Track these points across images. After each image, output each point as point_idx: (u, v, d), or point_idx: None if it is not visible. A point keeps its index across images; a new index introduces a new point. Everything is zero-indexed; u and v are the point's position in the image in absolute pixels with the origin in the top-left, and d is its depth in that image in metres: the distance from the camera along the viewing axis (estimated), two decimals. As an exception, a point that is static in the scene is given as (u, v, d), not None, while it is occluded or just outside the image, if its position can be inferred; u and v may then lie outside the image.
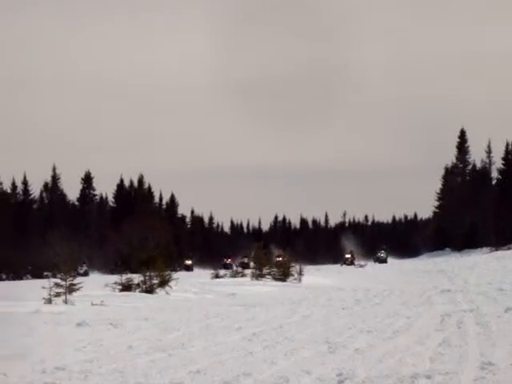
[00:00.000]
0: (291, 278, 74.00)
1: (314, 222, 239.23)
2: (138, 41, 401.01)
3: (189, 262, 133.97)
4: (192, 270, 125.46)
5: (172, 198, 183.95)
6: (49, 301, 49.12)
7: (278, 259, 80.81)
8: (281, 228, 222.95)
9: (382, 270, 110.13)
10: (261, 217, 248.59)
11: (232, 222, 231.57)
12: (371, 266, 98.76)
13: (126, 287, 60.14)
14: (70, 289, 51.41)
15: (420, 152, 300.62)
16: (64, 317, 39.46)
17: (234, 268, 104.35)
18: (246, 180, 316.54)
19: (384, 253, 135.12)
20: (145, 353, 23.73)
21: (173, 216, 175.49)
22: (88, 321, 35.80)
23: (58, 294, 50.33)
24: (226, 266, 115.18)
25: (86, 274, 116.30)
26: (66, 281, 51.46)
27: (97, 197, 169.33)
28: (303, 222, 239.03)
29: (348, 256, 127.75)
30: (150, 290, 59.18)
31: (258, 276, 75.61)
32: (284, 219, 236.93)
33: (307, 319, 34.44)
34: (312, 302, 46.59)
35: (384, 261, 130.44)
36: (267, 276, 75.13)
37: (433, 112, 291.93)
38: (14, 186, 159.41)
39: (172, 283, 60.60)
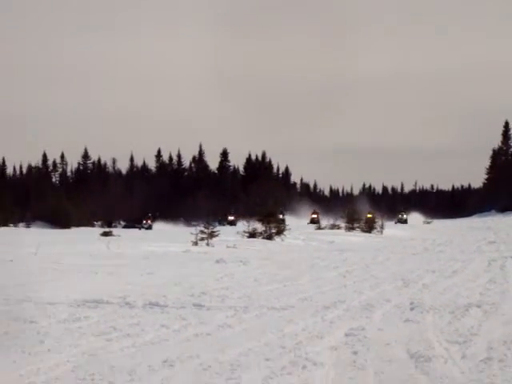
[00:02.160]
0: (375, 231, 73.93)
1: (393, 189, 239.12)
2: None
3: (231, 218, 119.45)
4: (235, 224, 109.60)
5: (286, 168, 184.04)
6: (195, 243, 50.03)
7: (368, 216, 79.95)
8: (367, 193, 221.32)
9: (443, 225, 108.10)
10: (353, 184, 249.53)
11: (331, 188, 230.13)
12: (410, 226, 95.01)
13: (252, 235, 60.86)
14: (211, 235, 52.27)
15: (472, 136, 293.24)
16: (206, 255, 39.67)
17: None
18: (342, 156, 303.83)
19: (404, 214, 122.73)
20: (266, 283, 23.86)
21: (287, 182, 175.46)
22: (224, 259, 35.97)
23: (202, 239, 51.41)
24: (313, 221, 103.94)
25: (221, 224, 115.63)
26: (208, 229, 52.72)
27: (231, 167, 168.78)
28: (384, 188, 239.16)
29: (401, 216, 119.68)
30: (269, 237, 59.64)
31: (350, 228, 75.60)
32: (370, 186, 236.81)
33: (387, 261, 34.31)
34: (390, 248, 46.34)
35: (405, 222, 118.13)
36: (357, 229, 75.14)
37: (481, 106, 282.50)
38: (170, 158, 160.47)
39: (286, 232, 61.06)
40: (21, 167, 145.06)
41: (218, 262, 34.77)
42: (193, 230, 53.13)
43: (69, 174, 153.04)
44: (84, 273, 28.62)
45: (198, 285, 23.20)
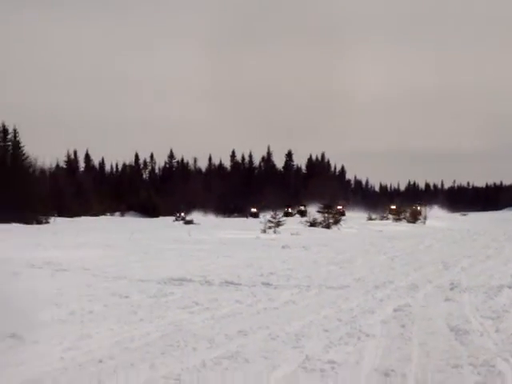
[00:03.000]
0: (419, 222, 73.86)
1: (434, 185, 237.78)
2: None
3: (254, 210, 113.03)
4: (258, 216, 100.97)
5: (342, 167, 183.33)
6: (264, 231, 50.42)
7: (413, 208, 79.56)
8: (412, 189, 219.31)
9: (478, 218, 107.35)
10: (399, 181, 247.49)
11: (381, 185, 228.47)
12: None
13: (312, 224, 61.00)
14: (277, 224, 52.37)
15: (503, 139, 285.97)
16: (274, 242, 39.79)
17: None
18: (391, 157, 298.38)
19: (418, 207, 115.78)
20: (324, 266, 23.81)
21: (342, 179, 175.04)
22: (288, 244, 36.16)
23: (270, 227, 51.59)
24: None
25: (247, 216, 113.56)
26: (275, 218, 52.81)
27: (294, 166, 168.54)
28: (427, 185, 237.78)
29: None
30: (327, 226, 59.71)
31: (397, 219, 75.53)
32: (414, 183, 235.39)
33: (429, 248, 34.21)
34: (432, 236, 46.30)
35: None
36: (403, 220, 75.05)
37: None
38: (243, 158, 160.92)
39: (342, 222, 61.14)
40: (117, 166, 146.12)
41: (283, 247, 34.93)
42: (262, 220, 54.05)
43: (157, 171, 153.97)
44: (170, 255, 28.95)
45: (266, 266, 23.29)
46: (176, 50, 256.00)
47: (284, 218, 57.55)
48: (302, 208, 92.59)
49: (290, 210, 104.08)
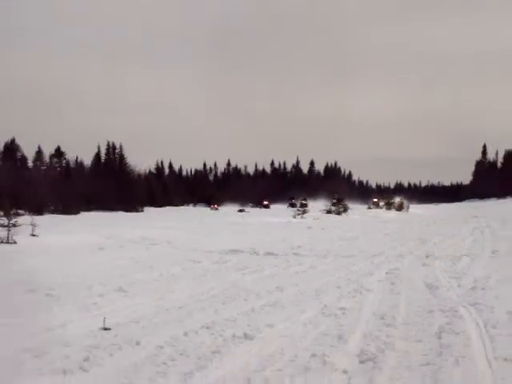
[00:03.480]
0: (403, 210, 73.63)
1: (415, 184, 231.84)
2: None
3: (265, 202, 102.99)
4: (269, 207, 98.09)
5: (350, 172, 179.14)
6: (294, 217, 50.28)
7: (398, 201, 78.62)
8: (398, 187, 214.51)
9: (446, 206, 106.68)
10: (390, 181, 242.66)
11: (376, 184, 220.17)
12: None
13: (328, 211, 60.88)
14: (304, 211, 52.45)
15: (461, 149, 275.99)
16: (301, 224, 39.87)
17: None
18: (382, 163, 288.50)
19: (293, 200, 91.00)
20: (337, 241, 23.78)
21: (349, 180, 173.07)
22: (311, 226, 36.30)
23: (298, 214, 51.44)
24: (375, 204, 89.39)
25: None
26: (302, 208, 52.86)
27: (316, 171, 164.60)
28: (409, 184, 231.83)
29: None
30: (339, 213, 59.60)
31: (388, 209, 75.20)
32: (400, 183, 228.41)
33: (411, 229, 33.94)
34: (412, 221, 46.20)
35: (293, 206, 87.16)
36: (392, 209, 74.79)
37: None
38: (279, 165, 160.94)
39: (349, 211, 61.19)
40: (191, 171, 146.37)
41: (308, 228, 34.97)
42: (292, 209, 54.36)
43: (219, 175, 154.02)
44: (228, 234, 29.04)
45: (295, 241, 23.21)
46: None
47: (307, 207, 57.67)
48: (304, 201, 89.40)
49: (294, 201, 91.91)
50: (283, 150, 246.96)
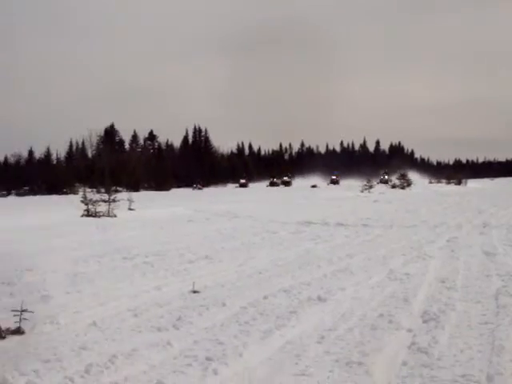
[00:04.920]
0: (462, 184, 72.24)
1: (472, 161, 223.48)
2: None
3: (243, 181, 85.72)
4: (338, 183, 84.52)
5: (412, 150, 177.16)
6: (361, 191, 50.30)
7: (457, 175, 76.41)
8: (457, 164, 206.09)
9: (502, 181, 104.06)
10: (449, 158, 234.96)
11: (437, 161, 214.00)
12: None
13: (393, 186, 61.06)
14: (370, 187, 52.34)
15: None
16: (367, 198, 39.80)
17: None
18: (443, 144, 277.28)
19: (386, 176, 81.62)
20: (401, 213, 23.61)
21: (412, 158, 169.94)
22: (378, 200, 36.13)
23: (365, 189, 51.57)
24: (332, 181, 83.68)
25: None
26: (367, 184, 52.50)
27: (381, 150, 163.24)
28: (467, 161, 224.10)
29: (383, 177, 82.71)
30: (402, 188, 59.25)
31: (448, 183, 73.80)
32: (459, 160, 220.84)
33: (469, 201, 33.43)
34: (470, 194, 45.44)
35: (386, 182, 78.65)
36: (452, 183, 73.36)
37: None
38: (347, 145, 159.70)
39: (412, 185, 60.35)
40: (269, 151, 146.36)
41: (374, 201, 34.77)
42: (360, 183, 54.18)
43: (293, 154, 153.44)
44: (301, 207, 29.12)
45: (363, 214, 23.07)
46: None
47: (368, 183, 57.07)
48: (286, 178, 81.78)
49: (386, 176, 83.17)
50: (351, 131, 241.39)
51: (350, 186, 66.71)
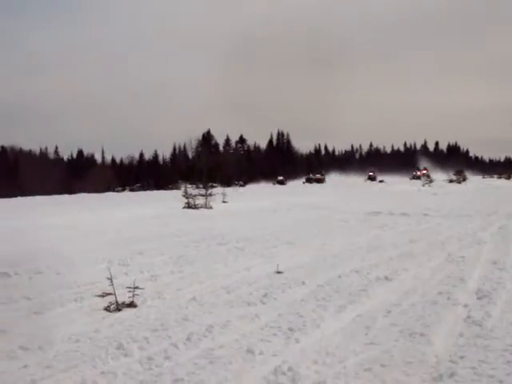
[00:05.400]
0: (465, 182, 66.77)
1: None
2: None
3: (281, 178, 74.77)
4: (284, 183, 73.10)
5: (467, 150, 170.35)
6: (423, 185, 48.40)
7: (509, 172, 71.04)
8: (506, 160, 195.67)
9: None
10: (500, 156, 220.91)
11: (489, 158, 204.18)
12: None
13: (450, 181, 58.03)
14: (430, 181, 50.53)
15: None
16: (427, 191, 38.70)
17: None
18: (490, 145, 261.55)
19: (418, 172, 71.95)
20: (457, 204, 22.91)
21: (467, 156, 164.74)
22: (437, 193, 35.06)
23: (426, 183, 49.87)
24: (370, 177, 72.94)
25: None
26: (429, 178, 50.73)
27: (439, 150, 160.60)
28: None
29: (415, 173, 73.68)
30: (459, 182, 56.55)
31: (499, 178, 70.34)
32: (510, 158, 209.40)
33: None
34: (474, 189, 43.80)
35: (418, 178, 67.34)
36: (503, 178, 69.93)
37: None
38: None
39: (467, 180, 58.13)
40: (342, 151, 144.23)
41: (433, 194, 33.84)
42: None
43: (364, 155, 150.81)
44: (369, 198, 28.69)
45: (424, 204, 22.43)
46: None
47: (433, 177, 55.04)
48: (319, 175, 71.02)
49: (311, 175, 74.93)
50: (413, 134, 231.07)
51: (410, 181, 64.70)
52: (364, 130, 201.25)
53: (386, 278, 7.32)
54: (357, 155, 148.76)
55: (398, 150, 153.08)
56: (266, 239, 11.71)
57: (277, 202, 26.14)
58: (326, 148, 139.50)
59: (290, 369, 4.05)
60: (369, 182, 68.25)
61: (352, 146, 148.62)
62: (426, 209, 20.03)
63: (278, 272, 7.89)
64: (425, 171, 67.80)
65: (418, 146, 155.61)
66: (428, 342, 4.65)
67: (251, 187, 61.64)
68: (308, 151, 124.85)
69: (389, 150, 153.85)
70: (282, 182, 72.58)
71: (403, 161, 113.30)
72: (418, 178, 64.05)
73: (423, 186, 49.40)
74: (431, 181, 51.68)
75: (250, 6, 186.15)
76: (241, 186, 73.20)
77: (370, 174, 74.10)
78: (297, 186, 65.34)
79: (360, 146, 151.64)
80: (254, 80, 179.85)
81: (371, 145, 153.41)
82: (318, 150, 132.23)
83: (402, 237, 12.01)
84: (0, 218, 17.43)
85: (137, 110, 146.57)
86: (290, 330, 5.06)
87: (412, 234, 12.46)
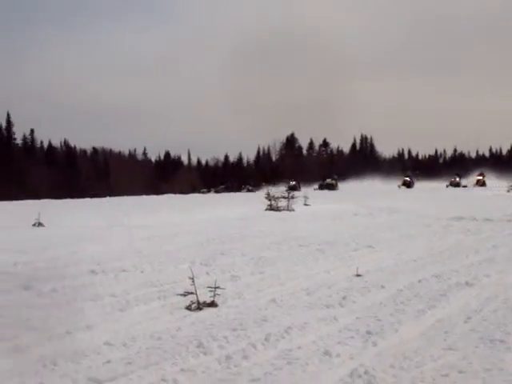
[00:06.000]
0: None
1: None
2: None
3: (293, 183, 59.46)
4: (297, 189, 53.86)
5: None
6: (508, 191, 43.54)
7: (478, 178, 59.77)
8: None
9: None
10: None
11: None
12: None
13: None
14: (483, 183, 47.52)
15: None
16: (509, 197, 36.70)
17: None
18: None
19: (458, 177, 60.08)
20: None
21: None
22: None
23: (510, 189, 46.28)
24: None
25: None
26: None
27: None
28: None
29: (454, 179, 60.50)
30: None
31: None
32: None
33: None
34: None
35: (457, 185, 57.78)
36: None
37: None
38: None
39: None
40: (425, 156, 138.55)
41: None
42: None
43: (447, 159, 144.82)
44: (450, 204, 26.67)
45: (508, 210, 20.58)
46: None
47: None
48: (329, 180, 59.56)
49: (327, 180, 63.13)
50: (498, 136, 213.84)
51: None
52: (448, 134, 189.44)
53: (467, 284, 7.04)
54: (440, 160, 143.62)
55: (483, 155, 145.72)
56: (346, 242, 11.49)
57: (357, 205, 25.58)
58: (409, 152, 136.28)
59: (366, 372, 3.97)
60: (403, 187, 56.38)
61: (436, 151, 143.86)
62: (510, 215, 18.75)
63: (358, 275, 7.74)
64: (480, 177, 60.82)
65: (504, 151, 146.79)
66: (508, 349, 4.44)
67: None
68: (391, 155, 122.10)
69: (473, 155, 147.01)
70: (294, 188, 66.27)
71: (487, 165, 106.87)
72: (457, 185, 56.12)
73: (508, 191, 45.86)
74: (483, 183, 47.81)
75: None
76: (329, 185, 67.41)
77: (406, 178, 61.36)
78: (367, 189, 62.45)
79: (444, 150, 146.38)
80: (336, 84, 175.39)
81: (455, 150, 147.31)
82: (401, 154, 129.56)
83: (485, 242, 11.52)
84: (91, 219, 17.50)
85: (221, 114, 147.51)
86: (368, 333, 4.96)
87: (494, 240, 11.88)
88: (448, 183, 63.59)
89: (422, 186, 70.34)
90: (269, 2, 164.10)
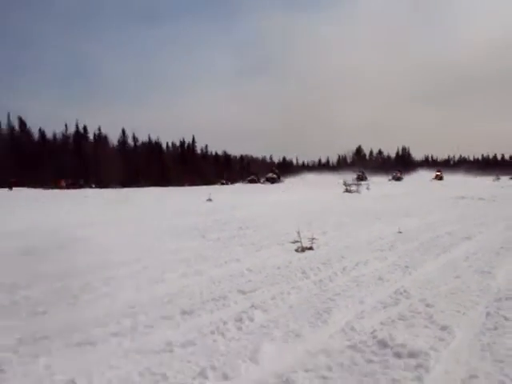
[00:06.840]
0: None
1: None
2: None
3: (398, 175, 57.89)
4: (401, 179, 55.63)
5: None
6: (493, 181, 45.66)
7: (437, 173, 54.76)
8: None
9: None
10: None
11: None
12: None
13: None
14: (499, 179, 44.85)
15: None
16: (495, 185, 38.67)
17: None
18: None
19: (398, 173, 59.03)
20: (498, 192, 20.70)
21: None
22: (504, 185, 34.13)
23: (494, 180, 45.48)
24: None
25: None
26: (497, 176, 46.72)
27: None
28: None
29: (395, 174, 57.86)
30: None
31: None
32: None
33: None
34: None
35: (398, 179, 56.32)
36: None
37: None
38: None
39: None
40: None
41: (501, 187, 32.58)
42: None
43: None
44: (460, 187, 27.87)
45: (494, 193, 22.09)
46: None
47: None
48: (271, 175, 56.40)
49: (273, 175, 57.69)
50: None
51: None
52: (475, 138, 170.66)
53: (468, 238, 7.50)
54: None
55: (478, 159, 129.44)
56: (392, 213, 11.95)
57: (406, 188, 27.06)
58: (431, 157, 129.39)
59: (405, 290, 4.25)
60: (393, 181, 52.64)
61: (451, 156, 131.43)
62: (495, 196, 19.24)
63: (399, 232, 8.34)
64: (438, 172, 54.60)
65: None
66: (493, 277, 4.87)
67: (377, 180, 57.52)
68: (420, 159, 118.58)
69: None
70: (398, 179, 62.09)
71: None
72: (398, 179, 52.65)
73: (493, 181, 42.65)
74: (498, 178, 43.93)
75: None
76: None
77: (395, 174, 59.78)
78: (407, 181, 57.29)
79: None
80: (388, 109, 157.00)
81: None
82: (427, 158, 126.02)
83: (478, 212, 12.04)
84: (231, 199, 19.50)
85: (318, 126, 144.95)
86: (406, 267, 5.30)
87: (484, 211, 12.40)
88: (390, 177, 57.29)
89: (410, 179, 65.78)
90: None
